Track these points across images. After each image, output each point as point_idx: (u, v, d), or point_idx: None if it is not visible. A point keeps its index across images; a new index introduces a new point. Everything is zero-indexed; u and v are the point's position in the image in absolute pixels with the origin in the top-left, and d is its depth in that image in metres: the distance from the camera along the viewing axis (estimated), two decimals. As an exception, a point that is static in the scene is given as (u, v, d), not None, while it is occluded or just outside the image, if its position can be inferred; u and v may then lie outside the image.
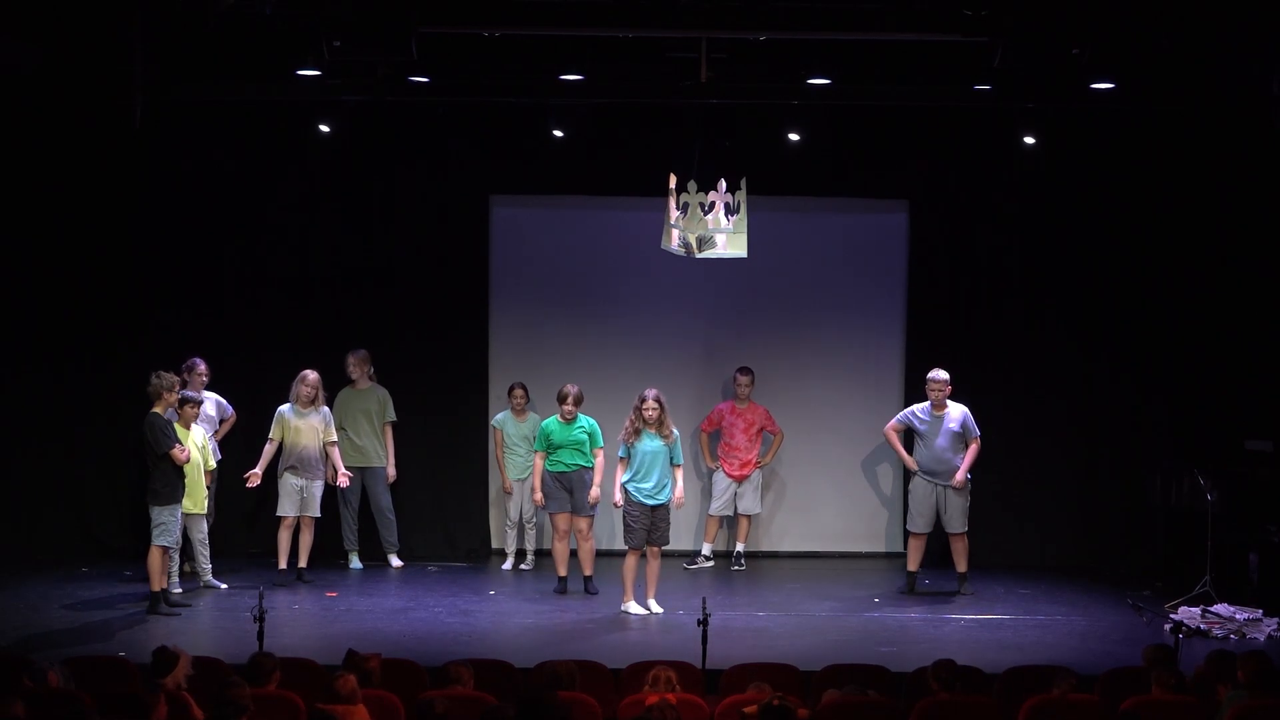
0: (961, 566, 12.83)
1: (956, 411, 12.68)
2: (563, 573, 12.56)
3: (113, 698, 7.75)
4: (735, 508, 13.77)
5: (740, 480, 13.70)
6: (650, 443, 11.70)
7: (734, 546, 13.80)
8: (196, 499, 12.20)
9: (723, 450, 13.76)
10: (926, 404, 12.76)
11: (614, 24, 11.14)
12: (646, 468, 11.69)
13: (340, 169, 13.68)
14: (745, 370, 13.70)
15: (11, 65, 11.23)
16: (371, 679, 8.22)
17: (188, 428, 12.09)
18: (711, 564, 13.75)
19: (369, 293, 13.84)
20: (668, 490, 11.80)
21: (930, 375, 12.73)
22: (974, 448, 12.69)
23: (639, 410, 11.72)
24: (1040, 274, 13.96)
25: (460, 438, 13.90)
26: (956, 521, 12.74)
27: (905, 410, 13.07)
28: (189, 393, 12.27)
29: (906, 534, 13.17)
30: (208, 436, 12.53)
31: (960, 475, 12.64)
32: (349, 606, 12.10)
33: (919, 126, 13.58)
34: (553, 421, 12.50)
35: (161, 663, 8.14)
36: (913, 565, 12.87)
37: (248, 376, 13.58)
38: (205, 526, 12.39)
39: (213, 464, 12.51)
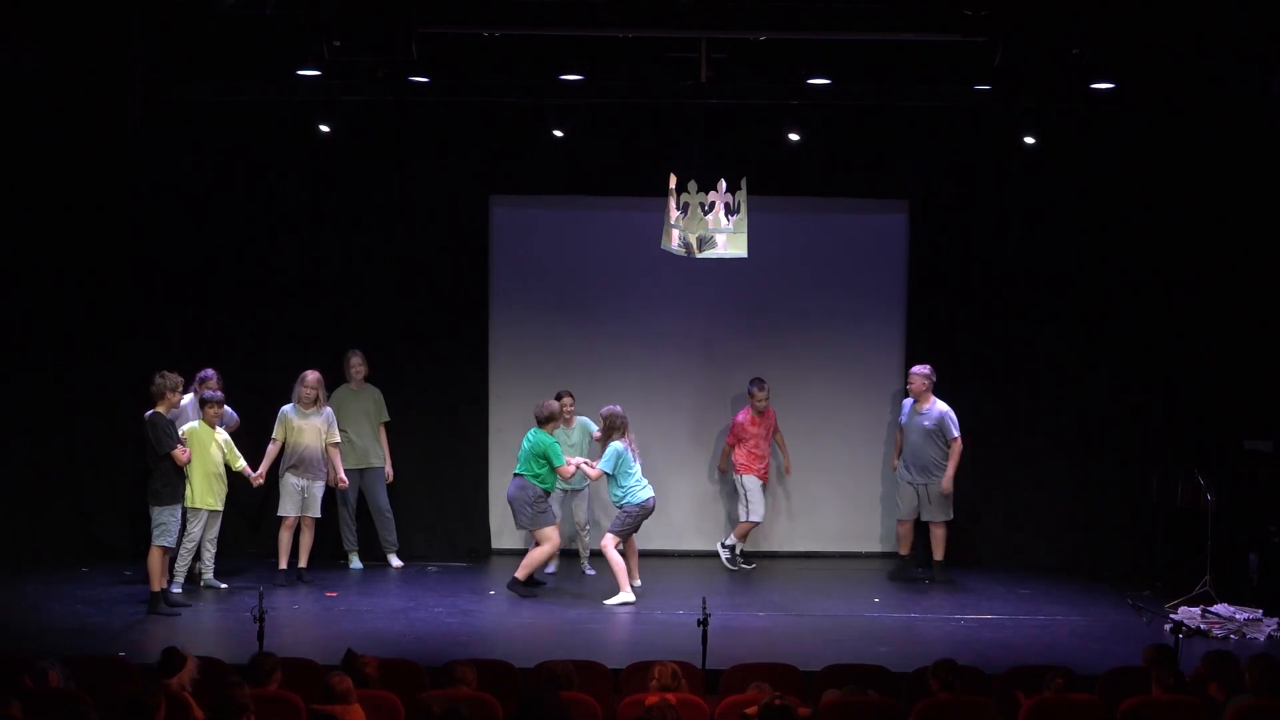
0: (938, 554, 13.20)
1: (935, 410, 12.99)
2: (550, 569, 13.07)
3: (113, 698, 7.75)
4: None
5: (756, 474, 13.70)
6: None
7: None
8: (219, 495, 12.21)
9: (752, 458, 13.54)
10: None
11: (614, 24, 11.13)
12: (625, 464, 12.20)
13: (340, 169, 13.69)
14: (761, 384, 13.50)
15: (12, 65, 11.24)
16: (369, 679, 8.22)
17: (213, 426, 12.18)
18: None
19: (369, 293, 13.85)
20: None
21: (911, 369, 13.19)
22: (955, 448, 12.97)
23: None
24: (1040, 274, 13.95)
25: (460, 438, 13.90)
26: (936, 511, 13.14)
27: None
28: (209, 392, 12.29)
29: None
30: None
31: (946, 483, 12.99)
32: (349, 606, 12.10)
33: (919, 126, 13.58)
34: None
35: (169, 663, 8.15)
36: (904, 549, 13.32)
37: (248, 377, 13.54)
38: (218, 526, 12.40)
39: (240, 463, 12.42)
